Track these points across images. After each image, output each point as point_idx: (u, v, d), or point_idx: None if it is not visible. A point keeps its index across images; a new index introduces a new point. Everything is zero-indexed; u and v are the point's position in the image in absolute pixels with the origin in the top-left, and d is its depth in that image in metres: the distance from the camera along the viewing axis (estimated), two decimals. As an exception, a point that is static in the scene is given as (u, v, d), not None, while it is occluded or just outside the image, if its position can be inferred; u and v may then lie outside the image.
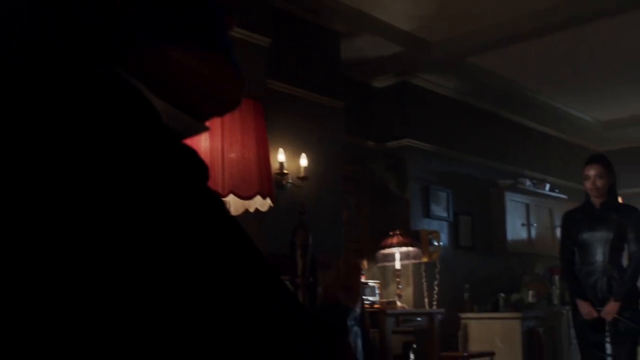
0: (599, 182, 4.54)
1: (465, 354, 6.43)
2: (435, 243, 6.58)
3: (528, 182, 7.99)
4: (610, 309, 4.41)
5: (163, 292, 0.63)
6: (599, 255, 4.55)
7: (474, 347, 6.61)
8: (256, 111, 3.48)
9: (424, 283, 6.54)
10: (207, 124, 0.86)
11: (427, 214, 6.89)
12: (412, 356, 5.91)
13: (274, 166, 4.74)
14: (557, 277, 7.50)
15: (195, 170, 0.74)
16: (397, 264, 6.15)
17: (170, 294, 0.63)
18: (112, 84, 0.70)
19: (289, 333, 0.71)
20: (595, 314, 4.46)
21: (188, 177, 0.72)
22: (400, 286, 6.16)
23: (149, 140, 0.69)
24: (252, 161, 3.32)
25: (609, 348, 4.57)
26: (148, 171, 0.67)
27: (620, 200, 4.90)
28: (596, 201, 4.61)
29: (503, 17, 5.89)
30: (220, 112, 0.85)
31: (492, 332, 6.56)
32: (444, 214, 7.08)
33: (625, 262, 4.60)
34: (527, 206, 7.97)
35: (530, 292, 7.17)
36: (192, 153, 0.75)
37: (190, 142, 0.80)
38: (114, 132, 0.66)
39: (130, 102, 0.70)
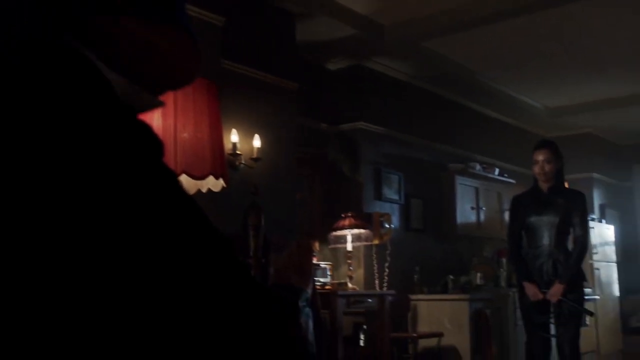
0: (547, 167, 4.64)
1: (415, 335, 6.53)
2: (387, 225, 6.64)
3: (478, 167, 8.11)
4: (556, 291, 4.52)
5: (115, 266, 0.63)
6: (546, 239, 4.65)
7: (423, 328, 6.71)
8: (210, 91, 3.45)
9: (375, 265, 6.60)
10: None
11: (379, 196, 6.94)
12: (362, 337, 5.98)
13: (227, 147, 4.71)
14: (504, 260, 7.65)
15: (150, 146, 0.73)
16: (349, 246, 6.19)
17: (123, 267, 0.63)
18: (68, 59, 0.69)
19: (242, 308, 0.71)
20: (540, 296, 4.56)
21: (143, 153, 0.71)
22: (351, 268, 6.21)
23: (104, 115, 0.68)
24: (205, 141, 3.30)
25: (553, 329, 4.69)
26: (102, 146, 0.66)
27: (566, 185, 5.01)
28: (544, 186, 4.70)
29: (457, 3, 5.94)
30: (175, 85, 0.84)
31: (440, 313, 6.66)
32: (396, 197, 7.14)
33: (570, 245, 4.71)
34: (477, 190, 8.09)
35: (478, 275, 7.30)
36: (147, 128, 0.75)
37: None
38: (68, 109, 0.65)
39: (85, 78, 0.69)
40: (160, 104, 0.83)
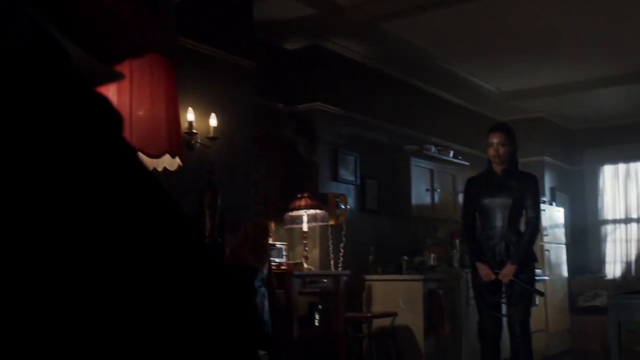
0: (502, 150, 4.70)
1: (369, 315, 6.59)
2: (342, 206, 6.67)
3: (433, 149, 8.17)
4: (508, 271, 4.60)
5: (76, 246, 0.61)
6: (499, 221, 4.72)
7: (378, 308, 6.78)
8: (167, 69, 3.40)
9: (331, 245, 6.63)
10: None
11: (335, 177, 6.95)
12: (317, 317, 6.01)
13: (183, 125, 4.65)
14: (457, 241, 7.76)
15: (109, 120, 0.71)
16: (305, 227, 6.20)
17: (84, 248, 0.61)
18: (25, 29, 0.66)
19: (203, 286, 0.70)
20: (493, 277, 4.65)
21: (102, 127, 0.69)
22: (307, 248, 6.23)
23: (61, 88, 0.66)
24: (162, 119, 3.26)
25: (504, 308, 4.79)
26: (60, 121, 0.64)
27: (519, 168, 5.09)
28: (498, 168, 4.77)
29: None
30: (135, 53, 0.82)
31: (395, 293, 6.73)
32: (352, 178, 7.17)
33: (523, 227, 4.80)
34: (432, 172, 8.16)
35: (432, 255, 7.39)
36: (106, 102, 0.73)
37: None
38: (25, 81, 0.63)
39: (42, 49, 0.67)
40: (120, 77, 0.81)
